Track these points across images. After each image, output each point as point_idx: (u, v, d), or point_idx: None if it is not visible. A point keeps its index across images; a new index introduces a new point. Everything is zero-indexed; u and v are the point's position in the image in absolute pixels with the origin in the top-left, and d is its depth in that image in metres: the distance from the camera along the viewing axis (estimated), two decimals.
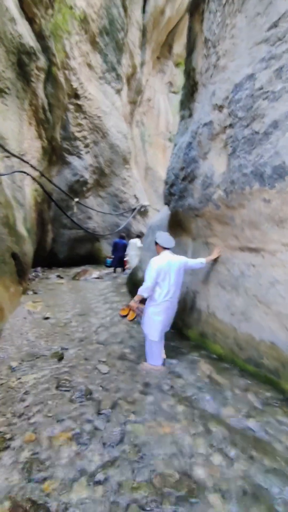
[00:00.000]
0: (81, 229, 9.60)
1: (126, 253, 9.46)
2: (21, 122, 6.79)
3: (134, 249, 9.25)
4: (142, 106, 17.38)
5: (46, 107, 8.09)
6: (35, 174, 7.40)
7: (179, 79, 20.94)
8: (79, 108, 9.39)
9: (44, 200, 8.71)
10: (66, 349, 3.40)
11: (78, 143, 9.72)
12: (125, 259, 9.46)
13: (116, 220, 12.67)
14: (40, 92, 7.64)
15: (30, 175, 6.57)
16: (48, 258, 9.93)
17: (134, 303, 2.98)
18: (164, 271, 2.90)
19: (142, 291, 2.89)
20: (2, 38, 5.69)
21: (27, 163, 6.48)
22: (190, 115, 5.11)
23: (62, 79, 8.25)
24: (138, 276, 6.42)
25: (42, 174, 7.52)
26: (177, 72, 20.30)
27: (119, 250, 9.30)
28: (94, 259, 11.71)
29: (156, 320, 2.94)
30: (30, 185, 7.45)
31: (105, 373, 2.81)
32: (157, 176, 18.68)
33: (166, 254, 3.03)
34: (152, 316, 2.96)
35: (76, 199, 8.53)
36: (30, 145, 7.56)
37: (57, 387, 2.51)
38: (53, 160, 9.12)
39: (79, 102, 9.31)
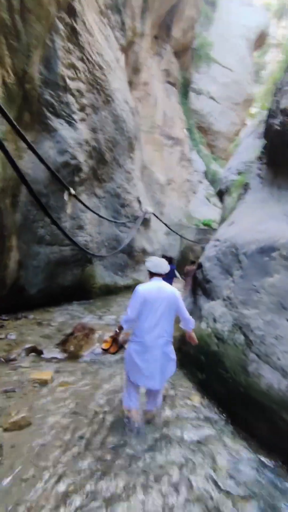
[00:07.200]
0: (73, 243, 5.45)
1: None
2: None
3: None
4: (138, 90, 13.83)
5: (17, 5, 4.03)
6: None
7: (176, 70, 17.96)
8: (74, 35, 5.41)
9: (7, 189, 4.47)
10: None
11: (70, 98, 5.66)
12: None
13: (116, 232, 8.64)
14: None
15: None
16: (10, 296, 5.53)
17: (116, 334, 2.46)
18: (151, 299, 2.32)
19: (122, 321, 2.40)
20: None
21: None
22: None
23: None
24: (225, 362, 2.56)
25: (14, 127, 3.38)
26: (175, 61, 17.30)
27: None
28: (84, 292, 7.46)
29: (137, 361, 2.27)
30: None
31: None
32: (154, 178, 15.04)
33: (155, 281, 2.46)
34: (133, 355, 2.31)
35: (73, 191, 4.44)
36: None
37: None
38: (25, 118, 4.94)
39: (74, 26, 5.34)
